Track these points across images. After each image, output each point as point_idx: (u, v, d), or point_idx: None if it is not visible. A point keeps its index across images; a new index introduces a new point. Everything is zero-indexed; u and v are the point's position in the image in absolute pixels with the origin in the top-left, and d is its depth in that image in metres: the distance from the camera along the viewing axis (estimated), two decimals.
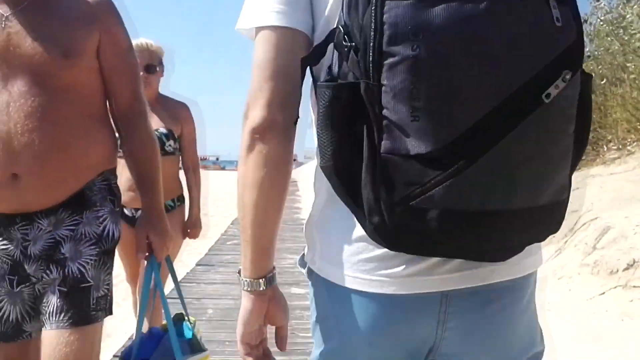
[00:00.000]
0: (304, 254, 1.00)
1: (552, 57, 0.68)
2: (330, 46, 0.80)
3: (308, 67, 0.85)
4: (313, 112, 0.91)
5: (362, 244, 0.84)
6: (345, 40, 0.74)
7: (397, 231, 0.73)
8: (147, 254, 1.61)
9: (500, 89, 0.67)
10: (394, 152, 0.70)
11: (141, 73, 2.57)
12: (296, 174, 27.63)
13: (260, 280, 0.91)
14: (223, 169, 55.11)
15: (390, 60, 0.68)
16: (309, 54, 0.84)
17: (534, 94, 0.68)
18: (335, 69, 0.78)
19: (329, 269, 0.90)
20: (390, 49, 0.67)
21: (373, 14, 0.68)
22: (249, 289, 0.91)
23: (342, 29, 0.75)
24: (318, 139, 0.78)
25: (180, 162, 2.88)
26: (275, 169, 0.87)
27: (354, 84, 0.72)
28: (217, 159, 63.72)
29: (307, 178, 16.87)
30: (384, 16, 0.67)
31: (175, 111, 2.79)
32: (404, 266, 0.82)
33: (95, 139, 1.50)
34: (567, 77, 0.68)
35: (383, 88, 0.69)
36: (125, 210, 2.54)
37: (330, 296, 0.91)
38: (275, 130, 0.85)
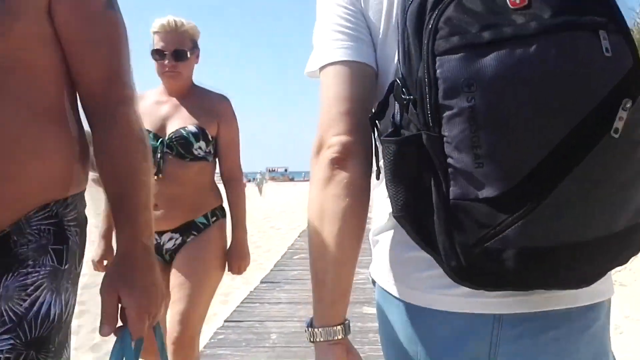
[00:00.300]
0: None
1: (609, 88, 0.67)
2: (392, 97, 0.79)
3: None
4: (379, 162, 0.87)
5: (421, 261, 0.82)
6: (403, 93, 0.75)
7: (474, 272, 0.73)
8: (116, 326, 0.94)
9: (559, 129, 0.67)
10: (463, 198, 0.70)
11: (166, 61, 2.06)
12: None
13: (338, 327, 0.86)
14: (292, 180, 56.06)
15: (448, 112, 0.68)
16: (377, 112, 0.83)
17: (595, 127, 0.67)
18: (398, 117, 0.77)
19: (388, 282, 0.91)
20: (447, 102, 0.68)
21: (426, 70, 0.69)
22: (324, 339, 0.85)
23: (399, 82, 0.76)
24: (388, 190, 0.78)
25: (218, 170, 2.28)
26: (357, 198, 0.85)
27: (417, 136, 0.72)
28: (286, 170, 64.46)
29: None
30: (437, 71, 0.69)
31: (212, 106, 2.18)
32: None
33: (38, 149, 0.95)
34: (628, 105, 0.67)
35: (445, 139, 0.69)
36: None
37: (389, 307, 0.92)
38: (357, 159, 0.84)
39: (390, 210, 0.81)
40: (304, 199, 19.53)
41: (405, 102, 0.74)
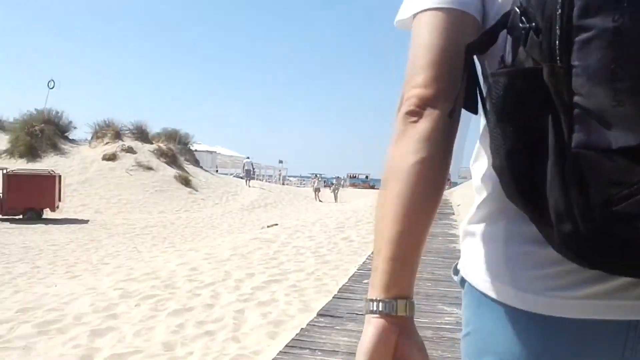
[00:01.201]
0: (457, 262, 0.92)
1: None
2: (503, 33, 0.72)
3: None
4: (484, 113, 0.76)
5: (531, 257, 0.74)
6: (522, 22, 0.65)
7: (595, 241, 0.60)
8: None
9: None
10: (589, 147, 0.59)
11: None
12: (449, 194, 25.94)
13: (399, 301, 0.75)
14: (372, 187, 55.39)
15: (583, 36, 0.59)
16: (476, 40, 0.75)
17: None
18: (509, 57, 0.69)
19: (485, 281, 0.80)
20: (583, 22, 0.59)
21: None
22: (378, 310, 0.74)
23: (517, 10, 0.67)
24: (490, 135, 0.70)
25: None
26: (430, 155, 0.75)
27: (535, 70, 0.63)
28: (367, 177, 63.68)
29: (462, 198, 15.06)
30: None
31: None
32: (582, 285, 0.70)
33: None
34: None
35: (574, 70, 0.60)
36: None
37: (485, 311, 0.81)
38: (434, 111, 0.76)
39: (491, 202, 0.79)
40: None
41: (524, 31, 0.65)
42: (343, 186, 52.85)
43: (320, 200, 28.77)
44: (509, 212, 0.75)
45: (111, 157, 23.80)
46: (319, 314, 4.57)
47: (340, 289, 5.61)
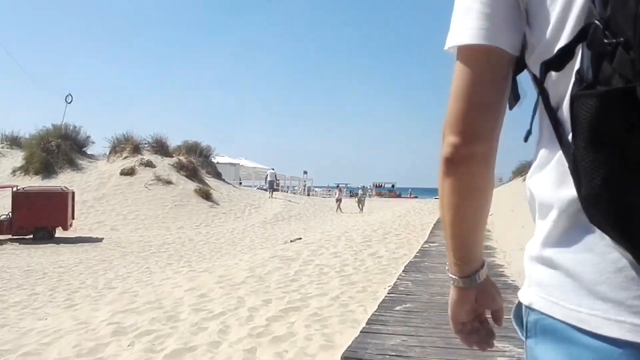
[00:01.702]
0: (519, 303, 0.86)
1: None
2: (579, 47, 0.70)
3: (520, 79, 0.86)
4: (540, 127, 0.83)
5: (629, 280, 0.70)
6: (606, 37, 0.64)
7: None
8: None
9: None
10: None
11: None
12: None
13: (466, 278, 0.97)
14: (399, 196, 54.56)
15: None
16: (553, 58, 0.75)
17: None
18: (589, 73, 0.67)
19: (568, 309, 0.74)
20: None
21: None
22: (454, 285, 0.99)
23: (599, 24, 0.65)
24: (580, 161, 0.68)
25: None
26: (470, 198, 0.90)
27: (628, 90, 0.62)
28: (393, 186, 62.84)
29: (492, 206, 13.99)
30: None
31: None
32: None
33: None
34: None
35: None
36: None
37: (573, 351, 0.73)
38: (470, 164, 0.86)
39: (565, 223, 0.76)
40: (411, 218, 17.51)
41: (610, 46, 0.63)
42: (370, 196, 51.99)
43: (342, 212, 27.72)
44: (588, 235, 0.73)
45: (129, 172, 23.29)
46: (344, 358, 3.67)
47: (369, 319, 4.70)
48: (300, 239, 14.67)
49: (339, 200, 29.15)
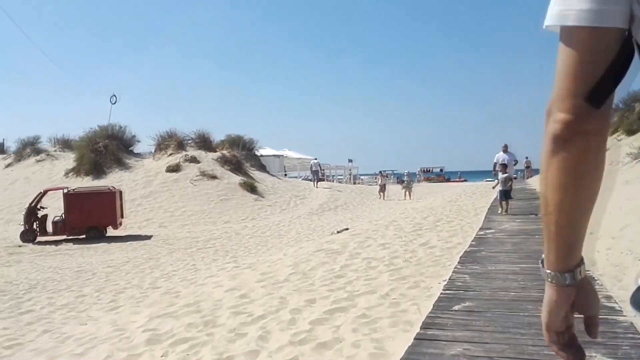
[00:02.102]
0: (638, 289, 0.95)
1: None
2: None
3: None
4: None
5: None
6: None
7: None
8: None
9: None
10: None
11: None
12: (531, 182, 23.67)
13: (566, 274, 0.91)
14: (448, 180, 53.23)
15: None
16: None
17: None
18: None
19: None
20: None
21: None
22: (553, 282, 0.92)
23: None
24: None
25: None
26: (582, 177, 0.85)
27: None
28: (442, 170, 61.36)
29: None
30: None
31: None
32: None
33: None
34: None
35: None
36: None
37: None
38: (583, 141, 0.83)
39: None
40: (463, 203, 16.74)
41: None
42: (418, 182, 50.74)
43: (385, 199, 26.84)
44: None
45: (175, 168, 23.42)
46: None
47: (424, 322, 4.21)
48: (347, 229, 14.22)
49: (382, 187, 28.12)
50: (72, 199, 15.35)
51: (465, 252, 7.69)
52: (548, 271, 0.92)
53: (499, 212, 12.38)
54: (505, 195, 12.78)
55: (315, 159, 31.46)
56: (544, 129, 0.86)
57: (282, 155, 41.26)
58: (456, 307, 4.63)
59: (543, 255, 0.94)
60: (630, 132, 18.91)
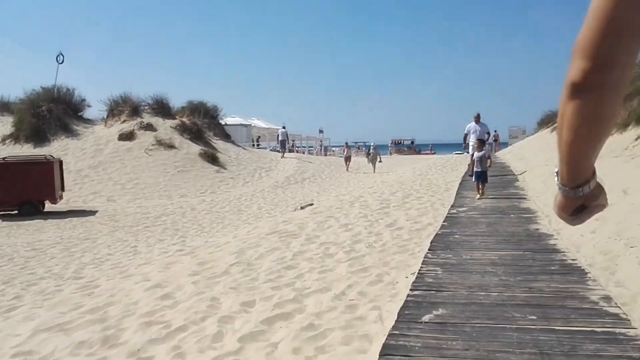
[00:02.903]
0: None
1: None
2: None
3: None
4: None
5: None
6: None
7: None
8: None
9: None
10: None
11: None
12: (501, 155, 22.87)
13: (577, 189, 0.99)
14: (419, 152, 52.63)
15: None
16: None
17: None
18: None
19: None
20: None
21: None
22: (565, 194, 1.01)
23: None
24: None
25: None
26: (594, 124, 0.87)
27: None
28: (412, 142, 60.65)
29: (521, 162, 12.16)
30: None
31: None
32: None
33: None
34: None
35: None
36: None
37: None
38: (600, 91, 0.83)
39: None
40: (433, 177, 15.78)
41: None
42: (390, 153, 49.91)
43: (350, 171, 26.03)
44: None
45: (128, 136, 21.82)
46: None
47: (385, 344, 3.16)
48: (312, 204, 13.17)
49: (348, 159, 27.57)
50: (1, 169, 13.54)
51: (436, 235, 6.70)
52: (561, 185, 1.00)
53: (476, 197, 10.31)
54: (481, 176, 10.52)
55: (283, 128, 30.06)
56: (566, 80, 0.86)
57: (250, 125, 39.70)
58: (426, 318, 3.61)
59: (557, 169, 1.00)
60: None
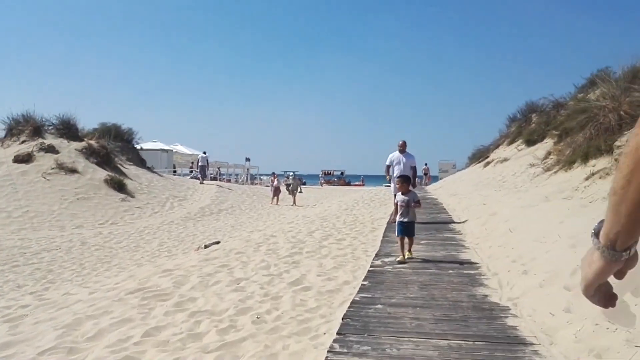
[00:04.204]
0: None
1: None
2: None
3: None
4: None
5: None
6: None
7: None
8: None
9: None
10: None
11: None
12: (432, 190, 21.90)
13: (624, 253, 0.93)
14: (348, 183, 51.74)
15: None
16: None
17: None
18: None
19: None
20: None
21: None
22: (610, 258, 0.94)
23: None
24: None
25: None
26: None
27: None
28: (342, 173, 60.11)
29: (460, 202, 10.62)
30: None
31: None
32: None
33: None
34: None
35: None
36: None
37: None
38: None
39: None
40: (359, 212, 14.09)
41: None
42: (321, 184, 48.57)
43: (277, 204, 23.59)
44: None
45: (25, 159, 19.12)
46: None
47: None
48: (219, 242, 11.30)
49: (277, 190, 24.44)
50: None
51: (352, 303, 4.99)
52: (605, 248, 0.93)
53: (398, 259, 7.14)
54: (407, 230, 7.29)
55: (204, 153, 27.91)
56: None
57: (171, 150, 37.17)
58: None
59: (594, 229, 0.95)
60: (531, 142, 17.69)
